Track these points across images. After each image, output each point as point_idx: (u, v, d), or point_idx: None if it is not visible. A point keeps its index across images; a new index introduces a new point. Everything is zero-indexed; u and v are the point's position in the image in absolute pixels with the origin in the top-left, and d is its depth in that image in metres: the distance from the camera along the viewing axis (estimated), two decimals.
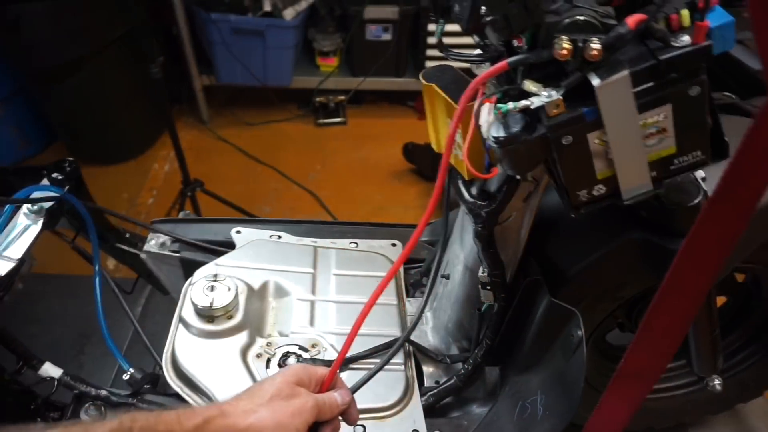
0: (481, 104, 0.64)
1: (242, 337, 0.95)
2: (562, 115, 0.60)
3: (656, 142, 0.62)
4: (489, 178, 0.68)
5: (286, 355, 0.96)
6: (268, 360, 0.95)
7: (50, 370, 0.87)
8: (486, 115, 0.63)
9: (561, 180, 0.64)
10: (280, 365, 0.95)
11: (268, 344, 0.97)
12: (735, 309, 1.18)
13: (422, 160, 2.25)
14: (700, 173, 0.75)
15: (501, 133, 0.62)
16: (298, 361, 0.95)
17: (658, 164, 0.64)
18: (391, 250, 1.21)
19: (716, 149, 0.65)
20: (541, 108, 0.59)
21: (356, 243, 1.20)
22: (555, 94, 0.58)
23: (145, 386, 0.95)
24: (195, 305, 0.93)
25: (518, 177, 0.68)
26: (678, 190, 0.74)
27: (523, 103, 0.59)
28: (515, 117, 0.62)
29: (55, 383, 0.87)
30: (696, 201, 0.74)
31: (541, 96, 0.59)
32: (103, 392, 0.90)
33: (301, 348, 0.97)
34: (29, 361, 0.86)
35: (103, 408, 0.90)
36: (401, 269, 1.17)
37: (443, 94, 0.75)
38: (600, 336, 1.09)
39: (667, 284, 0.56)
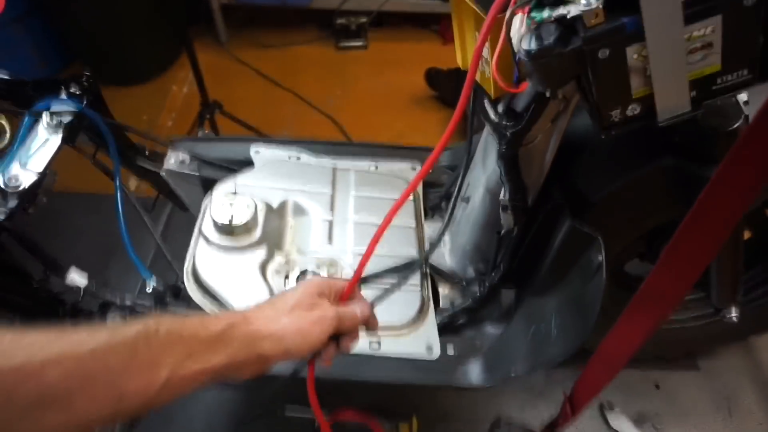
0: (513, 14, 0.60)
1: (261, 253, 0.97)
2: (600, 25, 0.56)
3: (700, 58, 0.58)
4: (517, 93, 0.65)
5: (304, 272, 0.97)
6: (287, 276, 0.97)
7: (76, 277, 0.90)
8: (518, 26, 0.59)
9: (593, 98, 0.61)
10: (298, 281, 0.96)
11: (287, 261, 0.98)
12: (759, 244, 1.16)
13: (445, 87, 2.18)
14: (742, 96, 0.71)
15: (533, 45, 0.58)
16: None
17: (700, 83, 0.60)
18: (411, 173, 1.20)
19: (765, 69, 0.61)
20: (578, 17, 0.55)
21: (376, 165, 1.19)
22: (594, 2, 0.54)
23: (168, 297, 0.98)
24: (215, 220, 0.94)
25: (548, 94, 0.64)
26: (717, 112, 0.70)
27: (560, 11, 0.55)
28: (549, 28, 0.58)
29: (82, 291, 0.90)
30: (735, 125, 0.70)
31: (580, 4, 0.55)
32: (128, 301, 0.93)
33: (318, 266, 0.99)
34: (55, 269, 0.89)
35: (128, 317, 0.93)
36: (420, 192, 1.16)
37: (472, 4, 0.70)
38: (618, 265, 1.08)
39: (697, 208, 0.55)
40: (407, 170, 1.21)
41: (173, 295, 1.02)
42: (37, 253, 0.89)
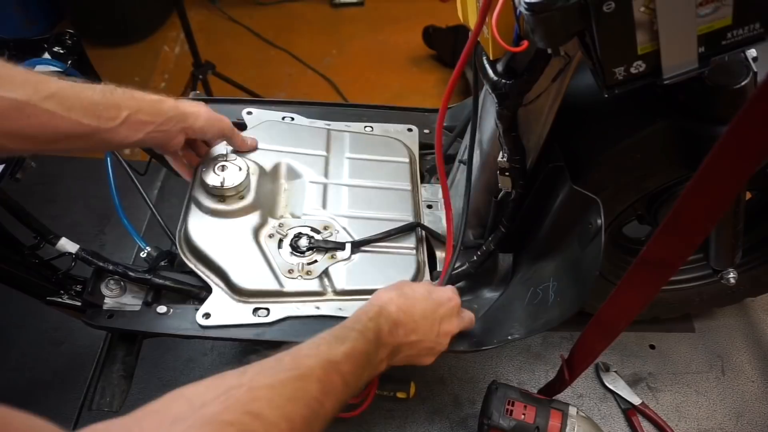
0: None
1: (254, 218, 0.95)
2: None
3: (710, 11, 0.55)
4: (517, 52, 0.62)
5: (298, 236, 0.96)
6: (280, 240, 0.96)
7: (67, 245, 0.89)
8: None
9: (597, 55, 0.58)
10: (292, 246, 0.95)
11: (280, 225, 0.97)
12: (760, 205, 1.15)
13: (443, 46, 2.12)
14: (751, 52, 0.68)
15: None
16: (310, 242, 0.95)
17: (709, 38, 0.57)
18: (406, 135, 1.17)
19: None
20: None
21: (371, 127, 1.17)
22: None
23: (162, 263, 0.97)
24: (206, 184, 0.92)
25: (550, 51, 0.62)
26: (724, 70, 0.68)
27: None
28: None
29: (73, 258, 0.89)
30: (743, 83, 0.68)
31: None
32: (120, 267, 0.91)
33: (313, 230, 0.97)
34: (46, 237, 0.87)
35: (122, 283, 0.92)
36: (417, 155, 1.14)
37: None
38: (617, 227, 1.07)
39: (703, 171, 0.53)
40: (403, 132, 1.18)
41: (168, 261, 1.01)
42: (27, 220, 0.88)
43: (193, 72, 1.84)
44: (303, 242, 0.95)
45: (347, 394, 0.61)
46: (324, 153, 1.08)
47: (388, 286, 0.82)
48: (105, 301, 0.93)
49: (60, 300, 0.92)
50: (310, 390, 0.55)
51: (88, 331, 0.94)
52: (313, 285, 0.93)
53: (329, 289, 0.93)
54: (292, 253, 0.95)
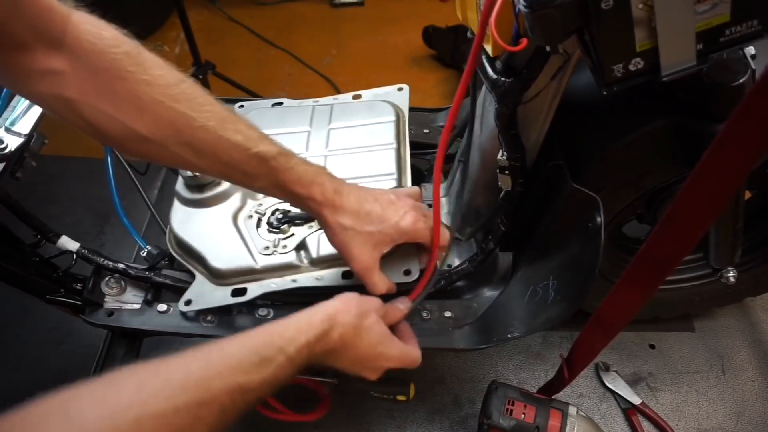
0: None
1: (234, 201, 0.96)
2: None
3: (708, 8, 0.55)
4: (517, 51, 0.62)
5: (274, 212, 0.96)
6: (259, 219, 0.95)
7: (67, 243, 0.89)
8: None
9: (596, 52, 0.58)
10: (269, 223, 0.95)
11: (260, 204, 0.97)
12: (760, 204, 1.15)
13: (443, 45, 2.12)
14: (749, 49, 0.68)
15: None
16: (283, 216, 0.94)
17: (707, 35, 0.57)
18: (395, 94, 1.14)
19: None
20: None
21: (360, 95, 1.15)
22: None
23: (162, 262, 0.97)
24: (184, 177, 0.94)
25: (549, 49, 0.62)
26: (722, 67, 0.67)
27: None
28: None
29: (74, 256, 0.89)
30: (741, 80, 0.68)
31: None
32: (121, 266, 0.92)
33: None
34: (46, 235, 0.87)
35: (122, 281, 0.92)
36: (406, 115, 1.10)
37: None
38: (616, 226, 1.07)
39: (701, 168, 0.53)
40: (392, 92, 1.15)
41: (168, 260, 1.01)
42: (28, 219, 0.88)
43: (193, 72, 1.84)
44: (277, 217, 0.95)
45: (248, 410, 0.56)
46: (307, 128, 1.07)
47: (349, 300, 0.71)
48: (105, 299, 0.93)
49: (60, 298, 0.93)
50: (206, 419, 0.51)
51: (89, 330, 0.94)
52: (288, 258, 0.92)
53: (305, 261, 0.92)
54: (269, 230, 0.94)
